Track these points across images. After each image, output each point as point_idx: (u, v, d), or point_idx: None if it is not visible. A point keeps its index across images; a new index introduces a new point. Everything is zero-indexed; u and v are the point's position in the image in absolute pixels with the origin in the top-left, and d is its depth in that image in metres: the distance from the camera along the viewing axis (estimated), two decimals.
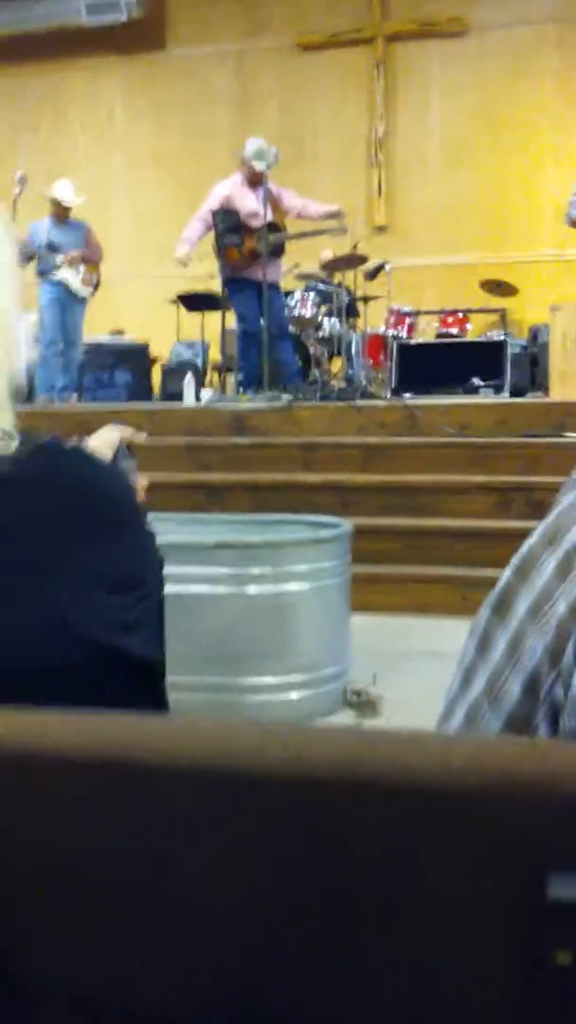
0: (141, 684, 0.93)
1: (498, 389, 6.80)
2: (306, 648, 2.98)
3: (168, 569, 3.07)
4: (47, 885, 0.57)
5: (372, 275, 7.41)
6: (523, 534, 0.65)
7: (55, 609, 0.85)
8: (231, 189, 6.30)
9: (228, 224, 6.05)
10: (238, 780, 0.53)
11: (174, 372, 8.10)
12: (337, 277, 7.25)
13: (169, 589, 3.01)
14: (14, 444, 0.86)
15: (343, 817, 0.52)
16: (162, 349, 8.85)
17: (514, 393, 6.82)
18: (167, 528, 3.39)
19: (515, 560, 0.65)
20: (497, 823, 0.51)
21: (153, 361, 8.80)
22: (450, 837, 0.51)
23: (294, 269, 7.25)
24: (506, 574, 0.65)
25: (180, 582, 2.91)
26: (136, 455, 1.29)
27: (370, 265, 7.25)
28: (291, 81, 9.02)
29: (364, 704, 3.06)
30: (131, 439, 1.25)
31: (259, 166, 6.14)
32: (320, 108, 8.99)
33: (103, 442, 1.19)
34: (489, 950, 0.52)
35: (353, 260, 6.94)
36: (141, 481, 1.25)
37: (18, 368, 0.86)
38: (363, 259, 7.01)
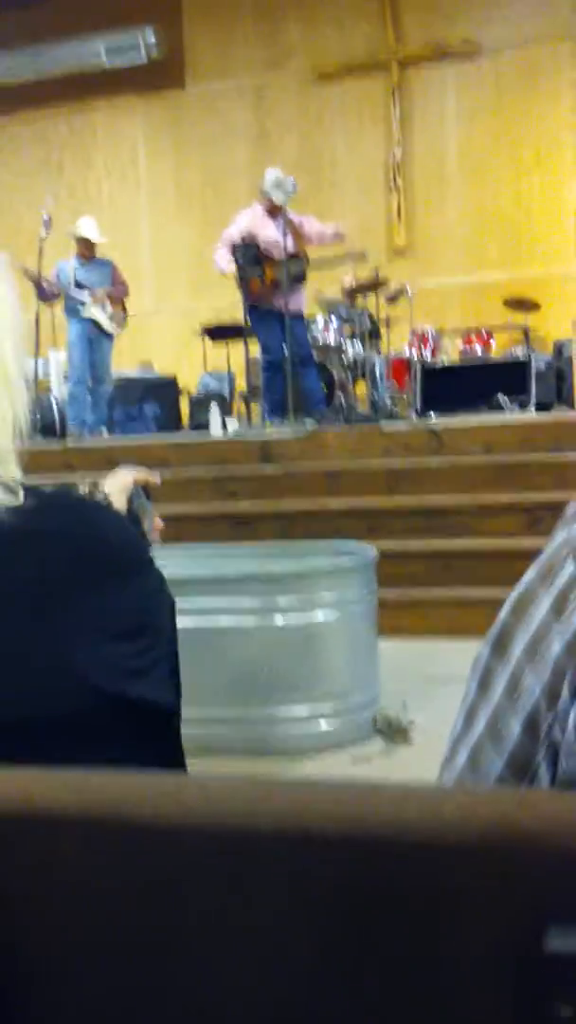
0: (152, 730, 0.93)
1: (524, 405, 6.77)
2: (335, 677, 2.97)
3: (195, 602, 3.07)
4: (45, 940, 0.57)
5: (393, 298, 7.43)
6: None
7: (63, 659, 0.85)
8: (252, 219, 6.37)
9: (248, 257, 6.10)
10: (235, 838, 0.53)
11: (201, 403, 8.17)
12: (359, 301, 7.28)
13: (196, 622, 3.01)
14: (20, 495, 0.87)
15: (340, 871, 0.52)
16: (189, 380, 8.94)
17: (540, 408, 6.78)
18: (192, 562, 3.41)
19: (512, 597, 0.65)
20: (493, 876, 0.50)
21: (181, 392, 8.88)
22: (448, 891, 0.51)
23: (316, 295, 7.29)
24: (504, 612, 0.65)
25: (207, 614, 2.92)
26: (152, 496, 1.29)
27: (391, 288, 7.28)
28: (309, 112, 9.12)
29: (395, 731, 3.03)
30: (145, 480, 1.26)
31: (277, 197, 6.21)
32: (338, 136, 9.07)
33: (116, 485, 1.20)
34: (489, 1003, 0.51)
35: (374, 284, 6.97)
36: (156, 522, 1.26)
37: (22, 418, 0.87)
38: (384, 283, 7.03)
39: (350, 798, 0.51)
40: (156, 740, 0.95)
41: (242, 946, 0.54)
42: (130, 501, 1.19)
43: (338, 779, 0.54)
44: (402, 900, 0.51)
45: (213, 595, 2.96)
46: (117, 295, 7.23)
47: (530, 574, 0.64)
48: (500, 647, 0.63)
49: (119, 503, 1.17)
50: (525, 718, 0.61)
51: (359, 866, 0.51)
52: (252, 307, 6.39)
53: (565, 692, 0.57)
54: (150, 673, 0.92)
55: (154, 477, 1.27)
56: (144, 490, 1.25)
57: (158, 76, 9.39)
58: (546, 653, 0.59)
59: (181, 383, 8.93)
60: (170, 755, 0.98)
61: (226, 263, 6.38)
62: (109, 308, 7.18)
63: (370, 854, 0.51)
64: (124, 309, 7.32)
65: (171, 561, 3.26)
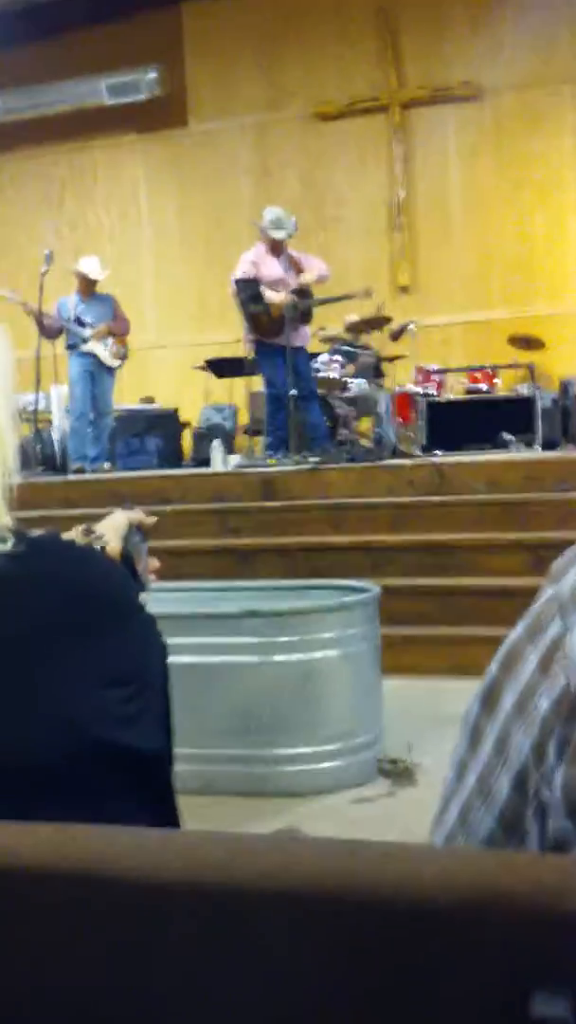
0: (143, 778, 0.93)
1: (529, 443, 6.79)
2: (337, 716, 2.95)
3: (195, 639, 3.06)
4: (18, 990, 0.57)
5: (397, 335, 7.50)
6: None
7: (52, 706, 0.85)
8: (255, 258, 6.45)
9: (249, 293, 6.17)
10: (215, 896, 0.53)
11: (204, 436, 8.20)
12: (363, 338, 7.34)
13: (196, 659, 3.00)
14: (9, 543, 0.87)
15: (320, 932, 0.52)
16: (191, 415, 8.99)
17: (546, 446, 6.80)
18: (192, 598, 3.40)
19: (500, 653, 0.65)
20: (475, 940, 0.50)
21: (184, 426, 8.93)
22: (429, 954, 0.50)
23: (320, 332, 7.36)
24: (493, 667, 0.65)
25: (207, 652, 2.91)
26: (147, 536, 1.29)
27: (395, 326, 7.34)
28: (311, 150, 9.26)
29: (399, 773, 3.01)
30: (140, 521, 1.26)
31: (277, 235, 6.29)
32: (340, 175, 9.20)
33: (111, 528, 1.21)
34: None
35: (378, 322, 7.04)
36: (152, 563, 1.26)
37: (11, 469, 0.89)
38: (387, 320, 7.10)
39: (331, 858, 0.52)
40: (147, 788, 0.94)
41: (220, 1004, 0.54)
42: (125, 542, 1.20)
43: (322, 838, 0.54)
44: (383, 962, 0.51)
45: (213, 633, 2.96)
46: (118, 330, 7.30)
47: (518, 629, 0.64)
48: (490, 702, 0.64)
49: (114, 544, 1.18)
50: (514, 776, 0.61)
51: (339, 927, 0.51)
52: (258, 342, 6.44)
53: (552, 751, 0.58)
54: (140, 720, 0.92)
55: (149, 519, 1.27)
56: (139, 530, 1.26)
57: (160, 114, 9.55)
58: (534, 711, 0.59)
59: (183, 417, 8.98)
60: (161, 803, 0.97)
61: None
62: (110, 343, 7.25)
63: (350, 915, 0.51)
64: (125, 344, 7.39)
65: (170, 597, 3.27)
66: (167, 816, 0.96)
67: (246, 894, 0.53)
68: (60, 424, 8.17)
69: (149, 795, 0.94)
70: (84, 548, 1.02)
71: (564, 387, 7.68)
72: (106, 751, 0.88)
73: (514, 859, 0.49)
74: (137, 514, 1.26)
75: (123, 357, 7.38)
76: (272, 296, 6.21)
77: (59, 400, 8.26)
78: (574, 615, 0.59)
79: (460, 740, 0.67)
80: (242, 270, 6.37)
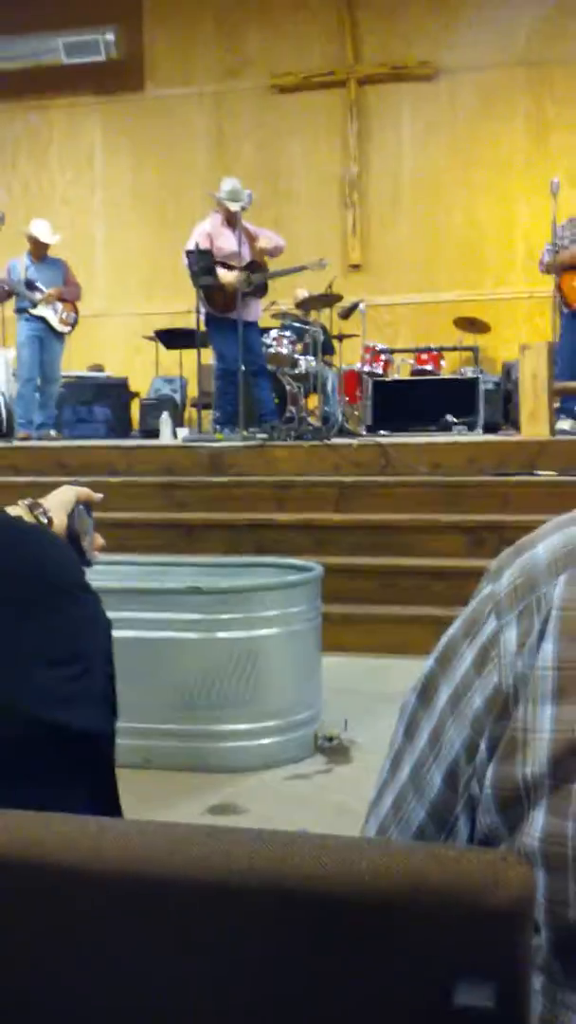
0: (85, 758, 0.93)
1: (471, 426, 6.88)
2: (277, 694, 2.97)
3: (138, 614, 3.05)
4: None
5: (347, 314, 7.50)
6: None
7: None
8: (211, 229, 6.37)
9: (203, 264, 6.11)
10: (152, 885, 0.54)
11: (153, 407, 8.14)
12: (313, 315, 7.33)
13: (139, 634, 2.99)
14: None
15: (255, 921, 0.53)
16: (141, 384, 8.90)
17: (487, 429, 6.89)
18: (137, 573, 3.39)
19: (438, 647, 0.67)
20: (404, 930, 0.52)
21: (132, 396, 8.84)
22: (357, 943, 0.52)
23: (271, 307, 7.32)
24: (429, 661, 0.67)
25: (150, 628, 2.91)
26: (92, 515, 1.29)
27: (345, 304, 7.34)
28: (267, 122, 9.17)
29: (335, 750, 3.05)
30: (87, 497, 1.26)
31: (233, 206, 6.22)
32: (295, 148, 9.13)
33: (58, 503, 1.20)
34: None
35: (328, 299, 7.02)
36: (97, 539, 1.26)
37: None
38: (338, 298, 7.09)
39: (268, 848, 0.53)
40: (88, 768, 0.95)
41: (154, 994, 0.55)
42: (70, 518, 1.19)
43: (262, 829, 0.55)
44: (315, 950, 0.53)
45: (156, 608, 2.95)
46: (69, 295, 7.19)
47: (456, 625, 0.66)
48: (426, 696, 0.65)
49: (60, 520, 1.17)
50: (446, 770, 0.63)
51: (274, 916, 0.53)
52: (209, 315, 6.39)
53: (483, 748, 0.59)
54: (82, 700, 0.92)
55: (96, 496, 1.27)
56: (87, 506, 1.25)
57: (117, 77, 9.35)
58: (467, 708, 0.61)
59: (133, 386, 8.89)
60: (102, 783, 0.98)
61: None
62: (60, 308, 7.12)
63: (286, 905, 0.52)
64: (75, 310, 7.27)
65: (114, 571, 3.25)
66: (107, 797, 0.97)
67: (183, 884, 0.54)
68: (7, 389, 8.02)
69: (90, 775, 0.95)
70: (26, 526, 1.01)
71: (507, 370, 7.78)
72: (47, 732, 0.89)
73: (445, 853, 0.51)
74: (84, 490, 1.25)
75: (73, 323, 7.27)
76: (224, 274, 6.15)
77: (6, 364, 8.10)
78: (509, 614, 0.60)
79: (396, 731, 0.69)
80: (195, 241, 6.30)
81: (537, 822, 0.56)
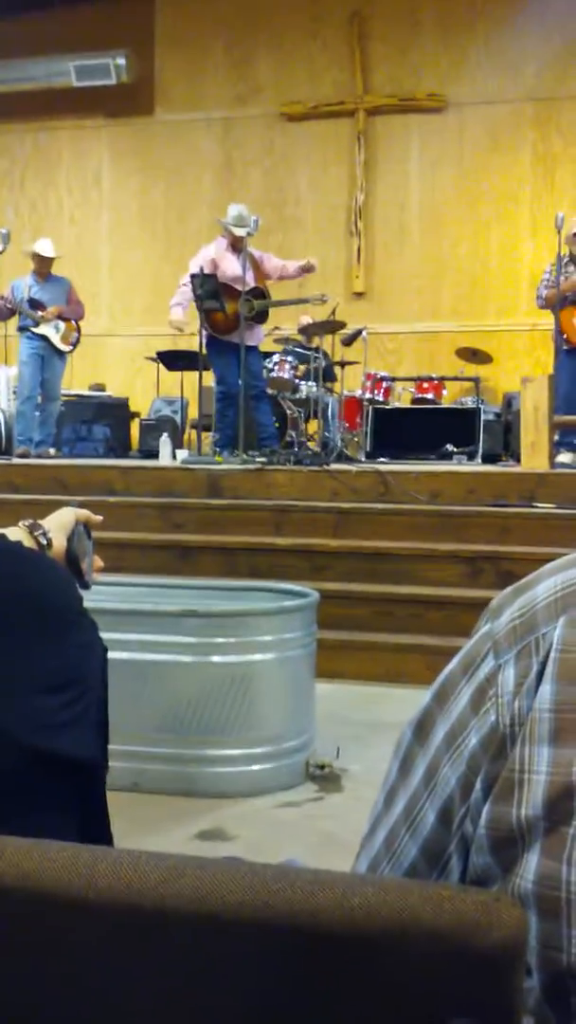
0: (76, 785, 0.93)
1: (471, 456, 6.90)
2: (269, 720, 2.96)
3: (132, 636, 3.04)
4: None
5: (349, 341, 7.55)
6: None
7: None
8: (215, 253, 6.43)
9: (208, 288, 6.15)
10: (139, 915, 0.54)
11: (152, 427, 8.17)
12: (315, 341, 7.38)
13: (133, 656, 2.98)
14: None
15: (247, 955, 0.53)
16: (142, 404, 8.93)
17: (487, 459, 6.91)
18: (133, 594, 3.39)
19: (435, 684, 0.67)
20: (395, 969, 0.52)
21: (133, 416, 8.87)
22: (348, 980, 0.52)
23: (273, 332, 7.37)
24: (427, 698, 0.67)
25: (144, 650, 2.90)
26: (92, 537, 1.29)
27: (348, 331, 7.39)
28: (275, 149, 9.27)
29: (327, 778, 3.04)
30: (87, 519, 1.26)
31: (239, 232, 6.28)
32: (302, 176, 9.23)
33: (58, 524, 1.20)
34: None
35: (331, 325, 7.07)
36: (96, 562, 1.26)
37: None
38: (341, 325, 7.14)
39: (260, 882, 0.53)
40: (81, 794, 0.95)
41: (143, 1021, 0.55)
42: (70, 540, 1.19)
43: (248, 863, 0.55)
44: (307, 987, 0.53)
45: (151, 630, 2.94)
46: (71, 314, 7.22)
47: (454, 663, 0.66)
48: (422, 733, 0.65)
49: (59, 542, 1.17)
50: (440, 808, 0.62)
51: (266, 951, 0.53)
52: (210, 338, 6.43)
53: (478, 787, 0.59)
54: (76, 726, 0.92)
55: (96, 518, 1.27)
56: (86, 529, 1.25)
57: (127, 101, 9.46)
58: (463, 746, 0.61)
59: (133, 407, 8.92)
60: (94, 809, 0.97)
61: (182, 309, 6.44)
62: (62, 326, 7.16)
63: (277, 941, 0.52)
64: (78, 328, 7.31)
65: (110, 592, 3.24)
66: (98, 822, 0.97)
67: (174, 915, 0.54)
68: (8, 406, 8.05)
69: (82, 801, 0.95)
70: (26, 551, 1.01)
71: (508, 401, 7.82)
72: (41, 758, 0.89)
73: (438, 892, 0.51)
74: (84, 512, 1.25)
75: (75, 342, 7.30)
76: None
77: (7, 381, 8.13)
78: (508, 654, 0.60)
79: (391, 767, 0.69)
80: (199, 264, 6.35)
81: (531, 864, 0.56)
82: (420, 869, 0.64)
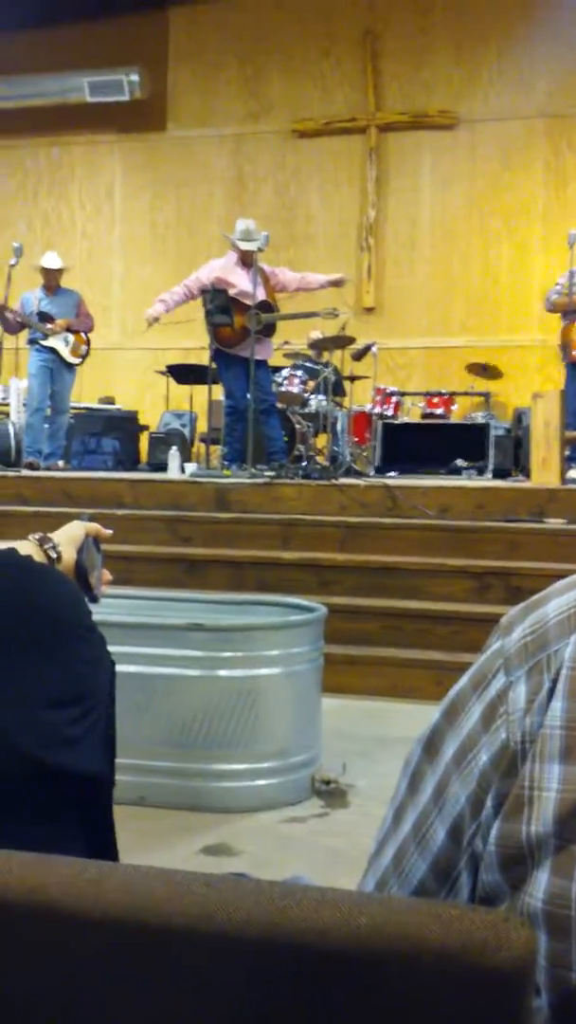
0: (83, 800, 0.93)
1: (481, 471, 6.90)
2: (275, 735, 2.95)
3: (138, 650, 3.03)
4: None
5: (359, 356, 7.56)
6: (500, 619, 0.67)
7: None
8: (224, 267, 6.46)
9: (217, 304, 6.18)
10: (145, 931, 0.54)
11: (161, 441, 8.18)
12: (325, 355, 7.40)
13: (139, 669, 2.97)
14: None
15: (252, 972, 0.53)
16: (151, 418, 8.96)
17: (497, 475, 6.91)
18: (139, 607, 3.39)
19: (445, 701, 0.67)
20: (402, 988, 0.51)
21: (142, 429, 8.90)
22: (355, 999, 0.52)
23: (283, 346, 7.39)
24: (436, 715, 0.67)
25: (151, 663, 2.90)
26: (101, 550, 1.29)
27: (358, 346, 7.40)
28: (286, 165, 9.32)
29: (333, 793, 3.02)
30: (97, 532, 1.26)
31: (246, 246, 6.31)
32: (313, 192, 9.28)
33: (67, 538, 1.20)
34: None
35: (341, 340, 7.09)
36: (105, 575, 1.26)
37: None
38: (351, 340, 7.15)
39: (267, 900, 0.53)
40: (86, 810, 0.95)
41: None
42: (79, 553, 1.20)
43: (254, 881, 0.55)
44: (313, 1005, 0.53)
45: (158, 644, 2.93)
46: (80, 327, 7.25)
47: (464, 679, 0.65)
48: (431, 750, 0.65)
49: (68, 555, 1.18)
50: (450, 825, 0.62)
51: (272, 969, 0.52)
52: (219, 352, 6.45)
53: (489, 805, 0.59)
54: (84, 742, 0.92)
55: (106, 532, 1.28)
56: (95, 542, 1.26)
57: (140, 117, 9.54)
58: (473, 763, 0.61)
59: (142, 420, 8.95)
60: (99, 825, 0.97)
61: (165, 307, 6.46)
62: (71, 339, 7.20)
63: (284, 959, 0.52)
64: (87, 341, 7.34)
65: (117, 604, 3.25)
66: (104, 838, 0.96)
67: (181, 932, 0.54)
68: (17, 418, 8.08)
69: (88, 817, 0.94)
70: (36, 565, 1.01)
71: (518, 417, 7.82)
72: (48, 773, 0.89)
73: (446, 911, 0.50)
74: (94, 526, 1.26)
75: (84, 355, 7.33)
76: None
77: (17, 394, 8.17)
78: (519, 671, 0.60)
79: (399, 784, 0.69)
80: (206, 275, 6.37)
81: (541, 882, 0.55)
82: (429, 887, 0.64)
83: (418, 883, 0.64)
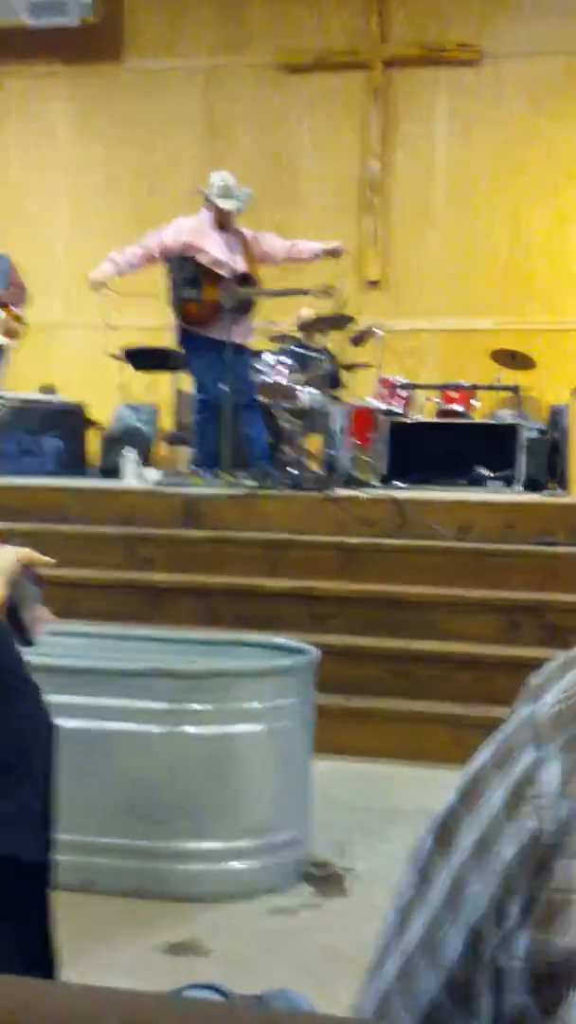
0: (13, 891, 0.92)
1: (509, 482, 6.92)
2: (256, 806, 2.96)
3: (87, 700, 3.04)
4: None
5: (359, 340, 7.59)
6: (534, 664, 0.66)
7: None
8: (195, 228, 6.43)
9: (185, 275, 6.19)
10: None
11: (116, 441, 8.18)
12: (319, 340, 7.42)
13: (87, 725, 2.98)
14: None
15: None
16: (102, 412, 8.94)
17: (528, 487, 6.94)
18: (88, 647, 3.38)
19: (462, 781, 0.66)
20: None
21: (90, 426, 8.89)
22: None
23: (267, 327, 7.41)
24: (452, 796, 0.66)
25: (102, 717, 2.90)
26: (42, 583, 1.29)
27: (358, 327, 7.43)
28: (271, 108, 9.39)
29: (327, 879, 3.03)
30: (31, 560, 1.26)
31: (225, 204, 6.33)
32: (304, 140, 9.34)
33: None
34: None
35: (338, 321, 7.12)
36: (43, 613, 1.26)
37: None
38: (350, 320, 7.18)
39: None
40: (18, 901, 0.94)
41: None
42: (12, 587, 1.20)
43: (233, 1008, 0.54)
44: None
45: (110, 692, 2.95)
46: (10, 299, 7.24)
47: (484, 754, 0.65)
48: (444, 838, 0.65)
49: None
50: (468, 932, 0.62)
51: None
52: (187, 333, 6.45)
53: (515, 910, 0.59)
54: (18, 822, 0.92)
55: (47, 561, 1.28)
56: (32, 573, 1.26)
57: (91, 45, 9.58)
58: (495, 858, 0.60)
59: (91, 414, 8.94)
60: (35, 918, 0.97)
61: (115, 268, 6.45)
62: (0, 315, 7.18)
63: None
64: (19, 318, 7.32)
65: (60, 645, 3.24)
66: (40, 936, 0.96)
67: None
68: None
69: (20, 910, 0.94)
70: None
71: (554, 416, 7.86)
72: None
73: None
74: (29, 553, 1.25)
75: (15, 334, 7.31)
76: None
77: None
78: (552, 744, 0.60)
79: (407, 878, 0.68)
80: (171, 237, 6.35)
81: None
82: (443, 1007, 0.63)
83: (428, 1003, 0.64)
